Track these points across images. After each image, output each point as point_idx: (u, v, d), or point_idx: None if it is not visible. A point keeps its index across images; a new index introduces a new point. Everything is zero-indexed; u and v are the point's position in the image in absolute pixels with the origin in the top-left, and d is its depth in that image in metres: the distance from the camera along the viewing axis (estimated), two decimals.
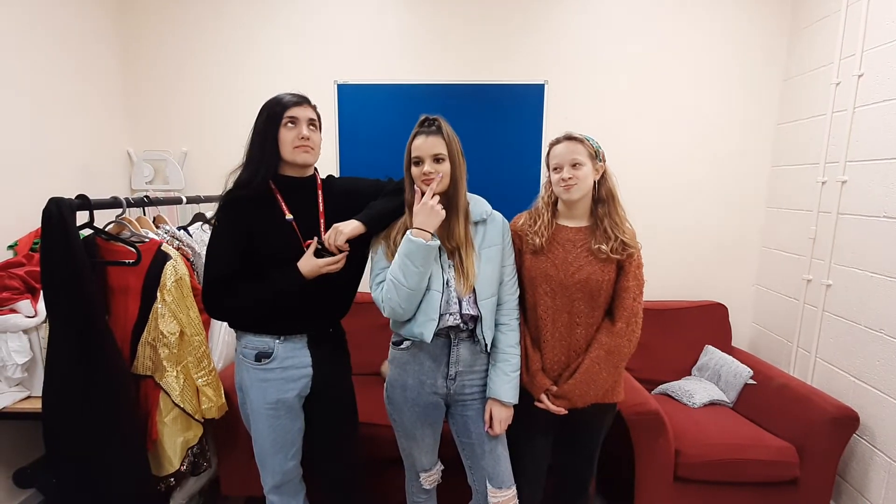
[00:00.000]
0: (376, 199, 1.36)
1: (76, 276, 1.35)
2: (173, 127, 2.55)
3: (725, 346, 2.35)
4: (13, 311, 1.56)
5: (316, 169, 1.39)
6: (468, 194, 1.34)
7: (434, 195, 1.23)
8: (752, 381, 2.10)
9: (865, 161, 1.87)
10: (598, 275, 1.32)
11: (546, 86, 2.41)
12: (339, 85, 2.45)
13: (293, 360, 1.34)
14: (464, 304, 1.27)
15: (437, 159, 1.24)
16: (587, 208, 1.38)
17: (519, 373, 1.34)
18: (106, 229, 1.58)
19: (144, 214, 1.79)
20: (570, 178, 1.30)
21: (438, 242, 1.22)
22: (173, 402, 1.54)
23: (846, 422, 1.73)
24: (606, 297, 1.35)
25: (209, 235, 1.33)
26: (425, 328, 1.23)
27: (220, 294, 1.26)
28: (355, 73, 2.45)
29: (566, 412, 1.34)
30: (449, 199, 1.27)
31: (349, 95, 2.46)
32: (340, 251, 1.26)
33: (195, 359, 1.59)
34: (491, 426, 1.32)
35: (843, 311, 1.96)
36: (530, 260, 1.37)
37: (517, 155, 2.45)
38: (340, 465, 1.48)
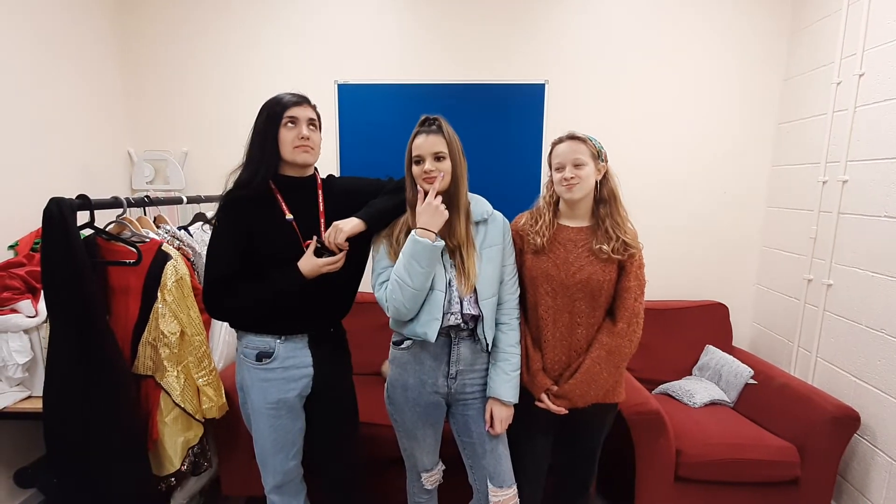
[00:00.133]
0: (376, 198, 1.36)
1: (77, 276, 1.35)
2: (174, 127, 2.55)
3: (726, 345, 2.35)
4: (14, 311, 1.56)
5: (316, 168, 1.39)
6: (469, 194, 1.34)
7: (437, 195, 1.23)
8: (752, 381, 2.10)
9: (866, 161, 1.87)
10: (599, 275, 1.32)
11: (546, 85, 2.41)
12: (339, 85, 2.45)
13: (294, 359, 1.34)
14: (465, 303, 1.27)
15: (437, 158, 1.24)
16: (589, 208, 1.38)
17: (519, 372, 1.34)
18: (106, 229, 1.58)
19: (145, 214, 1.79)
20: (572, 178, 1.30)
21: (444, 243, 1.22)
22: (174, 401, 1.54)
23: (847, 422, 1.73)
24: (607, 298, 1.35)
25: (210, 235, 1.33)
26: (429, 328, 1.23)
27: (221, 294, 1.26)
28: (356, 72, 2.45)
29: (566, 412, 1.34)
30: (450, 197, 1.27)
31: (349, 95, 2.46)
32: (340, 249, 1.26)
33: (196, 359, 1.59)
34: (492, 425, 1.32)
35: (843, 311, 1.96)
36: (531, 260, 1.37)
37: (517, 155, 2.45)
38: (341, 464, 1.48)
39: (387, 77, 2.45)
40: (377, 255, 1.32)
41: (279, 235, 1.29)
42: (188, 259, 1.70)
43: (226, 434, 1.78)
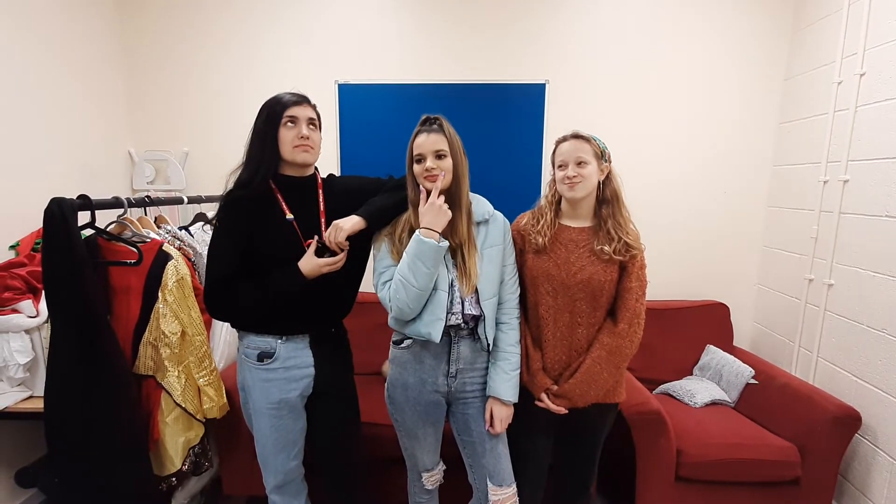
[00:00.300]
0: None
1: (78, 276, 1.35)
2: (174, 127, 2.55)
3: (727, 345, 2.35)
4: (15, 311, 1.57)
5: (316, 168, 1.39)
6: (470, 194, 1.34)
7: (439, 194, 1.22)
8: (753, 381, 2.10)
9: (867, 160, 1.86)
10: (600, 275, 1.32)
11: (547, 85, 2.41)
12: (339, 85, 2.45)
13: (295, 359, 1.34)
14: (466, 303, 1.27)
15: (438, 156, 1.24)
16: (591, 208, 1.37)
17: (519, 371, 1.34)
18: (107, 229, 1.58)
19: (146, 214, 1.79)
20: (574, 176, 1.30)
21: (448, 243, 1.23)
22: (175, 401, 1.54)
23: (848, 421, 1.73)
24: (608, 298, 1.35)
25: (210, 236, 1.33)
26: (433, 328, 1.23)
27: (222, 294, 1.26)
28: (356, 72, 2.45)
29: (566, 412, 1.34)
30: (452, 196, 1.27)
31: (350, 95, 2.45)
32: (341, 248, 1.26)
33: (197, 359, 1.59)
34: (491, 425, 1.32)
35: (844, 311, 1.96)
36: (532, 259, 1.37)
37: (518, 155, 2.45)
38: (342, 464, 1.48)
39: (387, 77, 2.45)
40: (378, 254, 1.32)
41: (280, 235, 1.29)
42: (189, 259, 1.71)
43: (227, 434, 1.78)
